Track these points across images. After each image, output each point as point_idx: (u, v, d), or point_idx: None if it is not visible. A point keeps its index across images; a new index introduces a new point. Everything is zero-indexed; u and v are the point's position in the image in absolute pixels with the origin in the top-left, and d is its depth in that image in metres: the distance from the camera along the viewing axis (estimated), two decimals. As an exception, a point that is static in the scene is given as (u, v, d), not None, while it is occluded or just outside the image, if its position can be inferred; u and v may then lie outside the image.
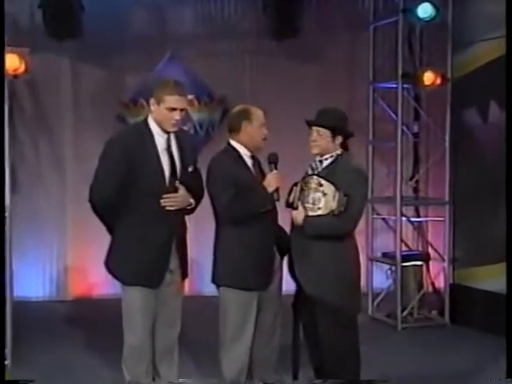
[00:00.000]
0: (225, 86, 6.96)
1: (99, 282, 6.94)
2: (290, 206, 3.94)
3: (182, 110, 3.78)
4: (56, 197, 7.22)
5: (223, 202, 3.92)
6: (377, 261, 6.72)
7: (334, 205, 3.79)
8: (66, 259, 7.27)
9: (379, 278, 6.71)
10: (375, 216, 6.80)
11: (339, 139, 3.92)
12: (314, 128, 3.92)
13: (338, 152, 3.94)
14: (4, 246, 4.45)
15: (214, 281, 4.09)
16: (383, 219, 6.87)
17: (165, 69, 6.67)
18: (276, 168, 4.00)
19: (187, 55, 7.02)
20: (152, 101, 3.80)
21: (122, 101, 6.80)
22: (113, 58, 7.06)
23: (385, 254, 6.64)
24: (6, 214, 4.86)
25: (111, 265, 3.87)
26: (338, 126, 3.91)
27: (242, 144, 4.06)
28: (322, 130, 3.89)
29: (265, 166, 4.12)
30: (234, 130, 4.07)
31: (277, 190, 3.96)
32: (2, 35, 4.48)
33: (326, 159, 3.93)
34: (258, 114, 4.07)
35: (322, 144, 3.91)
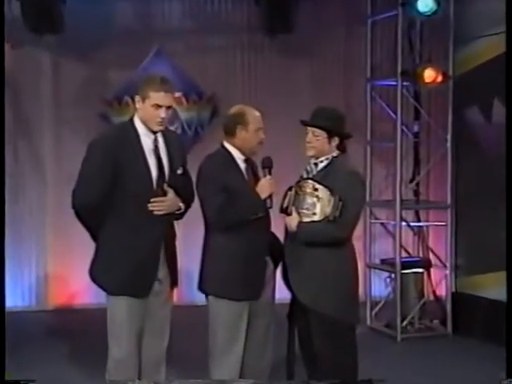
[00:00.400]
0: (215, 83, 6.98)
1: (81, 291, 6.94)
2: (284, 211, 3.94)
3: (168, 107, 3.78)
4: (36, 200, 7.21)
5: (213, 207, 3.92)
6: (375, 268, 6.74)
7: (328, 210, 3.80)
8: (45, 266, 7.24)
9: (378, 286, 6.75)
10: (373, 220, 6.82)
11: (336, 141, 3.93)
12: (310, 129, 3.93)
13: (334, 154, 3.95)
14: (3, 247, 4.42)
15: (200, 288, 4.10)
16: (382, 224, 6.90)
17: (151, 65, 6.68)
18: (270, 173, 4.00)
19: (175, 50, 7.03)
20: (137, 98, 3.80)
21: (105, 99, 6.80)
22: (96, 54, 7.05)
23: (384, 261, 6.65)
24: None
25: (96, 273, 3.87)
26: (335, 127, 3.92)
27: (236, 147, 4.05)
28: (318, 131, 3.90)
29: (259, 170, 4.11)
30: (228, 134, 4.06)
31: (270, 196, 3.97)
32: (2, 35, 4.48)
33: (322, 162, 3.94)
34: (254, 117, 4.03)
35: (318, 146, 3.91)
